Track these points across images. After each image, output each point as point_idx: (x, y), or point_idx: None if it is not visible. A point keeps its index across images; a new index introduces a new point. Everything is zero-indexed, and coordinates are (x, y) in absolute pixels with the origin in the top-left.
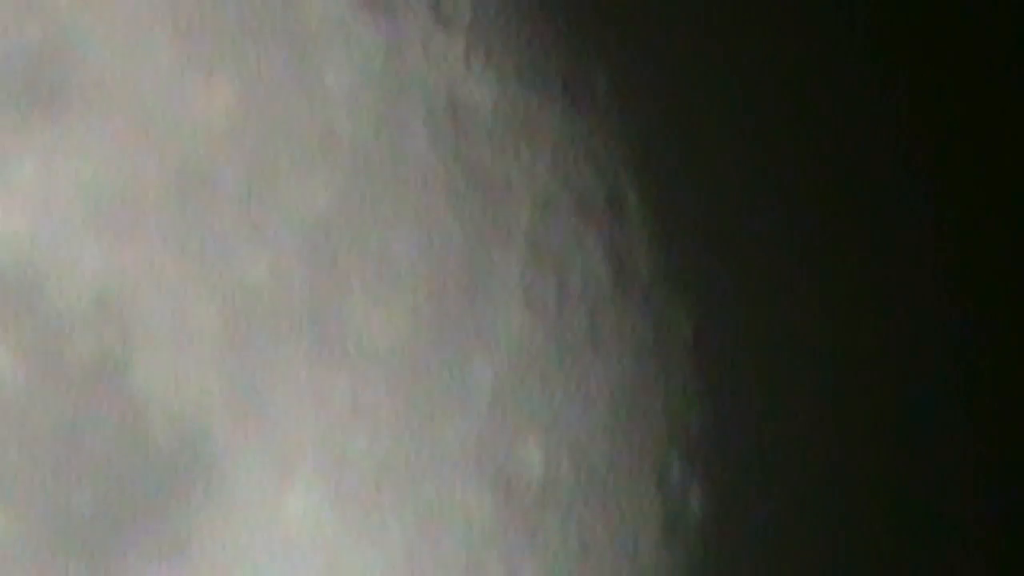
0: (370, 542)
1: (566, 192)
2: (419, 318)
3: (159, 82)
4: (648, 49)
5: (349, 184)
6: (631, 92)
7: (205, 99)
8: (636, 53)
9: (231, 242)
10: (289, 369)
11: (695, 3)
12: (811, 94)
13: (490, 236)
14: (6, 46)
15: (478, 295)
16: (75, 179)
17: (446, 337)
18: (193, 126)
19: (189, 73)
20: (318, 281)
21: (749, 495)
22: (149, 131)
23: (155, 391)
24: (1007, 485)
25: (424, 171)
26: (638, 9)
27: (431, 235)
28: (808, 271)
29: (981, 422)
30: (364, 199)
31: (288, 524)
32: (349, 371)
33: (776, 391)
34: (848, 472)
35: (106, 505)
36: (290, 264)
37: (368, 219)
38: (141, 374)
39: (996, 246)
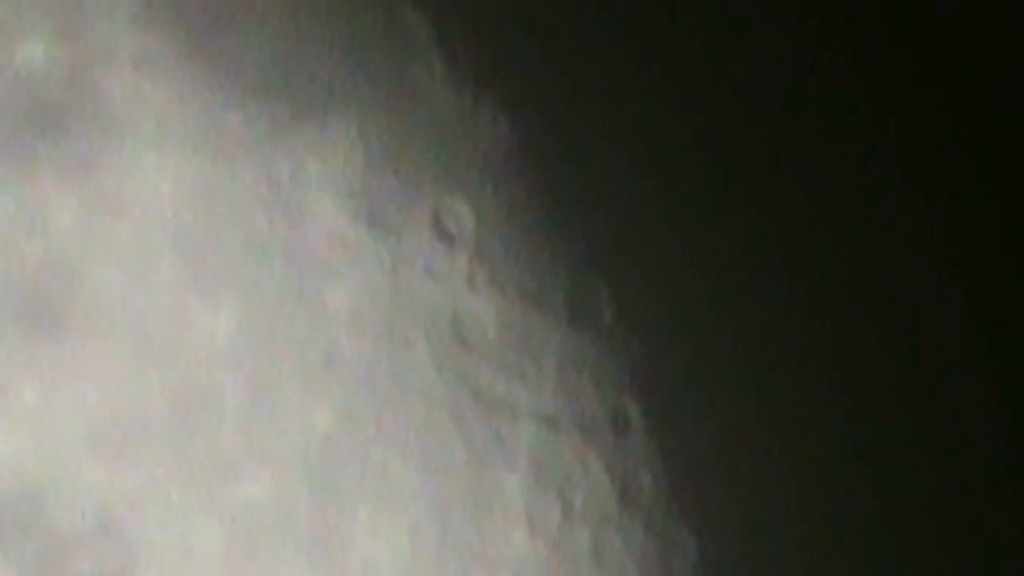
0: None
1: (569, 411)
2: (421, 537)
3: (161, 303)
4: (652, 271)
5: (351, 402)
6: (635, 312)
7: (207, 319)
8: (640, 273)
9: (233, 461)
10: None
11: (698, 222)
12: (824, 305)
13: (493, 455)
14: (7, 265)
15: (481, 514)
16: (77, 399)
17: (448, 557)
18: (195, 346)
19: (191, 294)
20: (320, 500)
21: None
22: (151, 352)
23: None
24: None
25: (427, 389)
26: (643, 230)
27: (434, 454)
28: (827, 483)
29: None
30: (366, 417)
31: None
32: None
33: None
34: None
35: None
36: (292, 483)
37: (370, 438)
38: None
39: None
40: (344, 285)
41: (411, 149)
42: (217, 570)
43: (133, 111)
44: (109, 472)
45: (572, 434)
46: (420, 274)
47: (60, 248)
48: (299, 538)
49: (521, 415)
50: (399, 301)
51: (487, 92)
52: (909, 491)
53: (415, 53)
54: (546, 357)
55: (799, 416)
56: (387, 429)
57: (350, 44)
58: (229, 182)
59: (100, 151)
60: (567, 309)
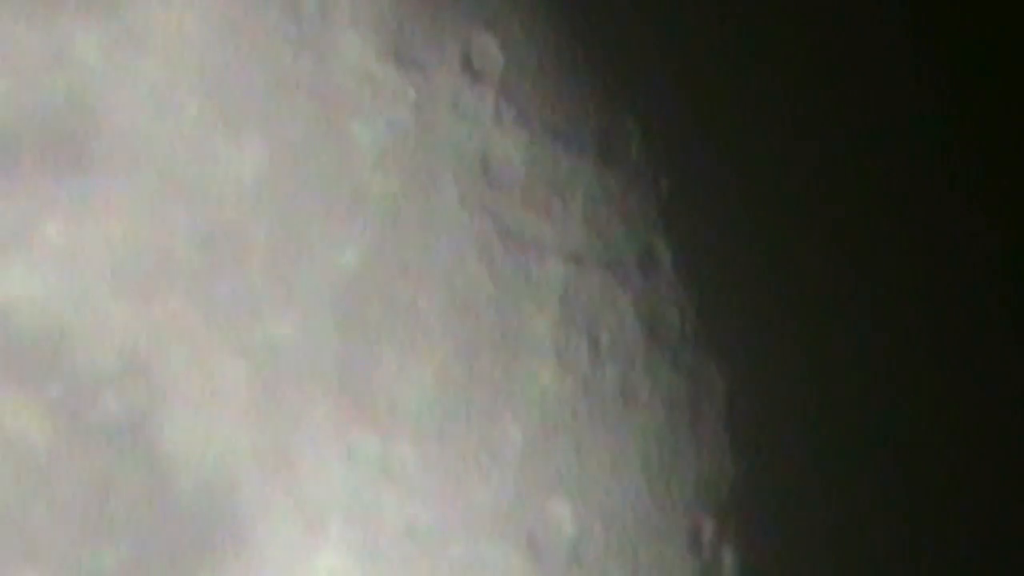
0: None
1: (598, 249)
2: (448, 376)
3: (186, 140)
4: (683, 105)
5: (378, 241)
6: (663, 148)
7: (233, 156)
8: (670, 109)
9: (259, 300)
10: (317, 428)
11: (731, 61)
12: (852, 158)
13: (521, 293)
14: (30, 100)
15: (508, 353)
16: (101, 238)
17: (475, 396)
18: (221, 184)
19: (217, 130)
20: (346, 339)
21: (783, 556)
22: (176, 189)
23: (182, 450)
24: None
25: (454, 227)
26: (673, 65)
27: (461, 292)
28: (844, 327)
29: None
30: (393, 256)
31: None
32: (377, 430)
33: (810, 450)
34: (884, 534)
35: (134, 563)
36: (318, 322)
37: (397, 276)
38: (168, 432)
39: None
40: (371, 122)
41: None
42: (243, 409)
43: None
44: (135, 311)
45: (600, 271)
46: (448, 111)
47: (84, 84)
48: (325, 377)
49: (549, 253)
50: (426, 139)
51: None
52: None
53: None
54: (574, 194)
55: (830, 256)
56: (414, 268)
57: None
58: (255, 17)
59: None
60: (595, 146)
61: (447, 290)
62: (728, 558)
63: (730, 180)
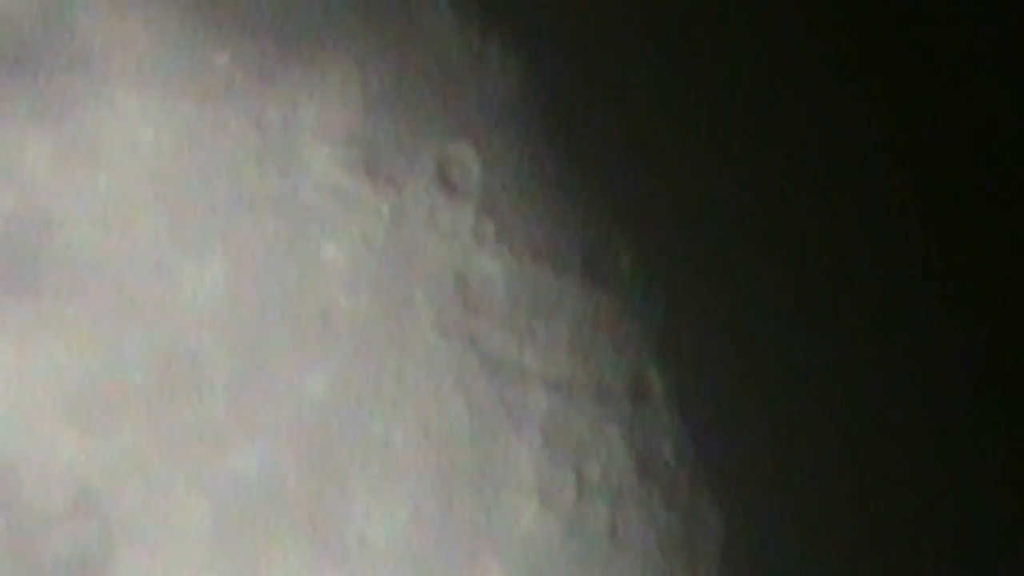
0: None
1: (585, 376)
2: (424, 514)
3: (142, 258)
4: (676, 225)
5: (348, 367)
6: (657, 269)
7: (192, 276)
8: (663, 225)
9: (221, 431)
10: (285, 569)
11: (729, 171)
12: (847, 295)
13: (501, 424)
14: None
15: (488, 489)
16: (51, 363)
17: (453, 535)
18: (180, 306)
19: (175, 249)
20: (315, 474)
21: None
22: (131, 312)
23: None
24: None
25: (430, 353)
26: (666, 177)
27: (437, 423)
28: (849, 463)
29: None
30: (364, 383)
31: None
32: (349, 571)
33: None
34: None
35: None
36: (285, 455)
37: (368, 405)
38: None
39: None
40: (340, 240)
41: (413, 91)
42: (204, 550)
43: (112, 49)
44: (87, 443)
45: (588, 401)
46: (423, 228)
47: (34, 198)
48: (292, 515)
49: (532, 381)
50: (400, 257)
51: (496, 27)
52: (943, 466)
53: None
54: (559, 318)
55: (831, 382)
56: (386, 396)
57: None
58: (215, 128)
59: (76, 93)
60: (581, 265)
61: (422, 421)
62: None
63: (729, 301)
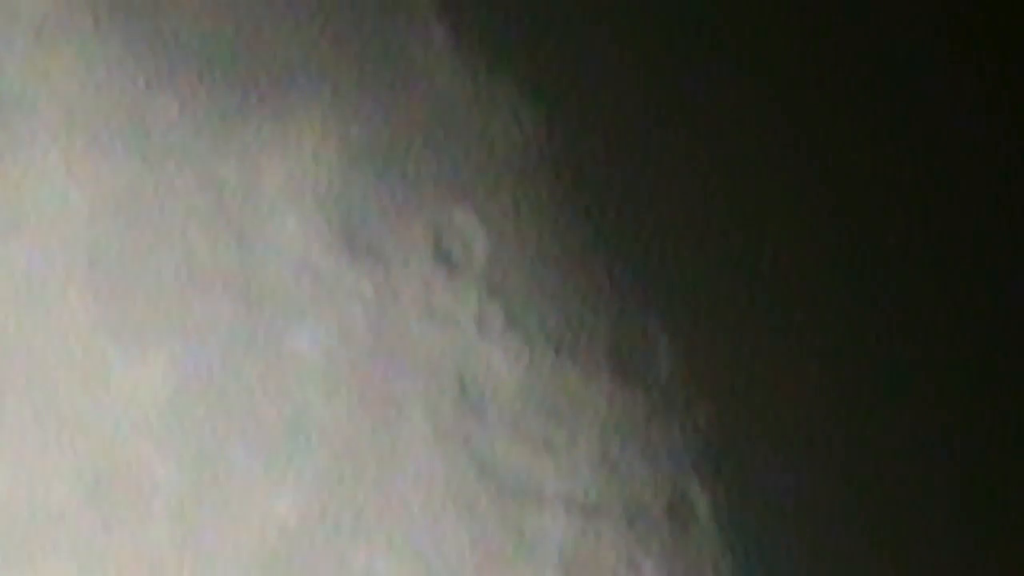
0: None
1: (615, 496)
2: None
3: (71, 351)
4: (723, 314)
5: (324, 486)
6: (699, 367)
7: (131, 374)
8: (706, 317)
9: (165, 564)
10: None
11: (776, 248)
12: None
13: (512, 555)
14: None
15: None
16: None
17: None
18: (118, 418)
19: (110, 340)
20: None
21: None
22: (56, 417)
23: None
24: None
25: (424, 467)
26: (711, 261)
27: (434, 554)
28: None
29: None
30: (344, 506)
31: None
32: None
33: None
34: None
35: None
36: None
37: (349, 532)
38: None
39: None
40: (313, 329)
41: (404, 148)
42: None
43: (35, 94)
44: None
45: (618, 527)
46: (415, 314)
47: None
48: None
49: (549, 502)
50: (387, 350)
51: (507, 67)
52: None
53: (410, 20)
54: (582, 425)
55: (894, 496)
56: (371, 521)
57: (320, 6)
58: (159, 191)
59: None
60: (610, 362)
61: (414, 551)
62: None
63: (782, 405)
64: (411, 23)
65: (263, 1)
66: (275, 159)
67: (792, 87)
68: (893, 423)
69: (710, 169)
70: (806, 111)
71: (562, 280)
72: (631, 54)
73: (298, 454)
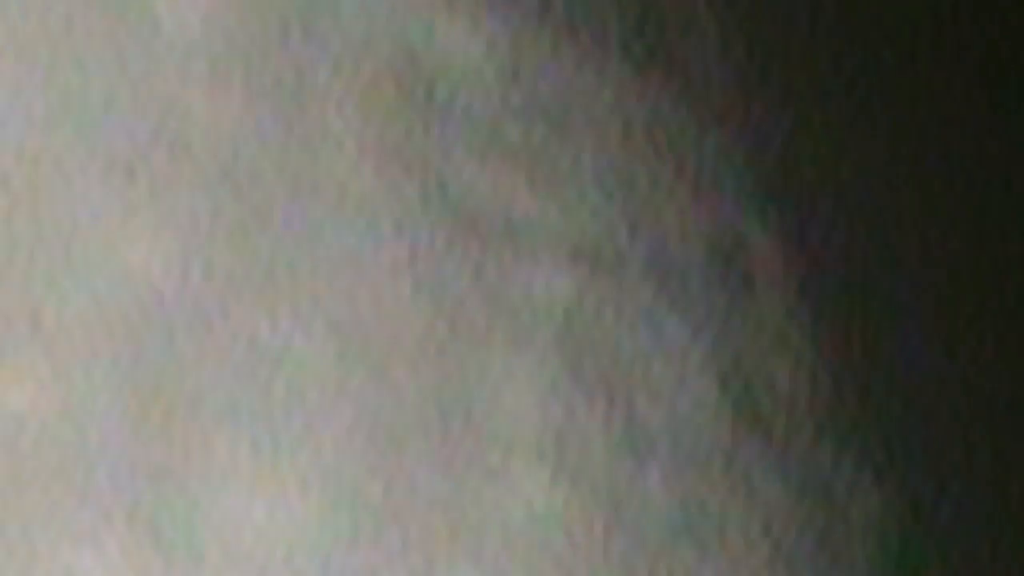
0: None
1: (625, 243)
2: None
3: None
4: None
5: (199, 225)
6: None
7: None
8: None
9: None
10: None
11: None
12: None
13: (487, 316)
14: None
15: None
16: None
17: None
18: None
19: None
20: None
21: None
22: None
23: None
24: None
25: (354, 202)
26: None
27: (371, 318)
28: None
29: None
30: (227, 255)
31: None
32: None
33: None
34: None
35: None
36: None
37: (236, 293)
38: None
39: None
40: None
41: None
42: None
43: None
44: None
45: (630, 277)
46: None
47: None
48: None
49: (530, 247)
50: (300, 24)
51: None
52: None
53: None
54: (581, 135)
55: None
56: (275, 278)
57: None
58: None
59: None
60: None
61: (336, 317)
62: None
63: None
64: None
65: None
66: None
67: None
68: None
69: None
70: None
71: None
72: None
73: (168, 182)
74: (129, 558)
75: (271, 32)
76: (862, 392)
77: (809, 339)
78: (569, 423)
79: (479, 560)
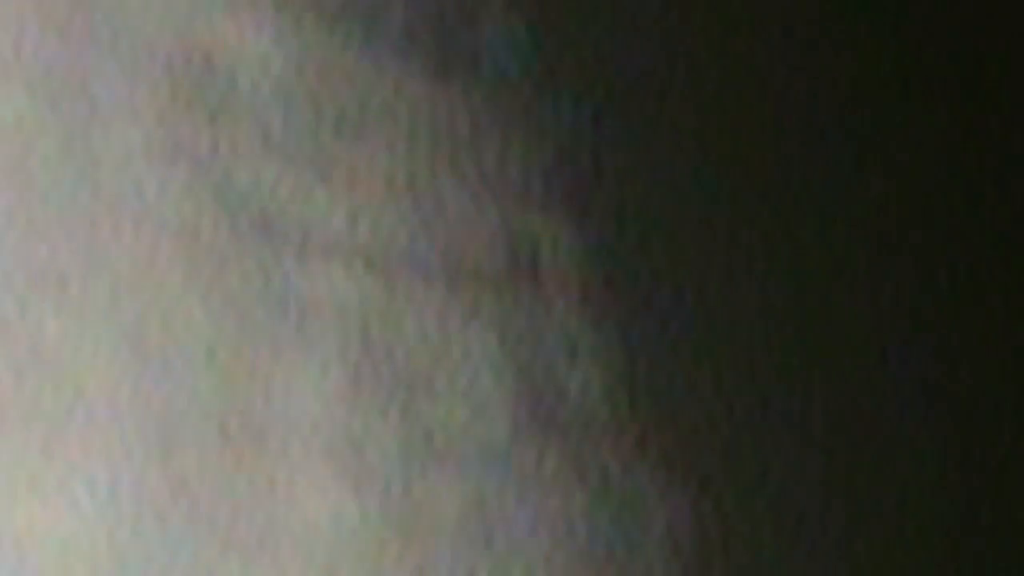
0: None
1: (421, 245)
2: None
3: None
4: None
5: None
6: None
7: None
8: None
9: None
10: None
11: None
12: None
13: (275, 321)
14: None
15: None
16: None
17: None
18: None
19: None
20: None
21: None
22: None
23: None
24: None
25: (134, 193)
26: None
27: (154, 318)
28: None
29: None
30: None
31: None
32: None
33: None
34: None
35: None
36: None
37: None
38: None
39: None
40: None
41: None
42: None
43: None
44: None
45: (425, 282)
46: None
47: None
48: None
49: (321, 251)
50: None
51: None
52: None
53: None
54: (374, 137)
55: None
56: (43, 265)
57: None
58: None
59: None
60: (415, 40)
61: (116, 318)
62: None
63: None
64: None
65: None
66: None
67: None
68: None
69: None
70: None
71: None
72: None
73: None
74: None
75: (52, 31)
76: (656, 397)
77: (603, 344)
78: (358, 427)
79: (263, 565)
